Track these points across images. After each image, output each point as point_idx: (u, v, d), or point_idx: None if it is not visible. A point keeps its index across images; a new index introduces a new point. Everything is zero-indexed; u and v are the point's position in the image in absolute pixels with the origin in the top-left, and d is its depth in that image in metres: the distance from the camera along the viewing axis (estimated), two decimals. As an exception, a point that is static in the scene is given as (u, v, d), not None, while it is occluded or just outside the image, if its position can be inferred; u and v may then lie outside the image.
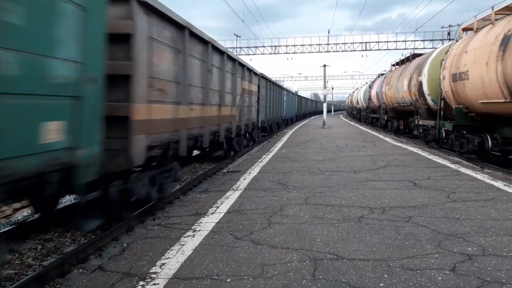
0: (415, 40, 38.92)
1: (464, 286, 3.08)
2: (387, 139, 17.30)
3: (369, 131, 23.62)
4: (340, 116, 62.30)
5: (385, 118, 24.10)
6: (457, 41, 13.38)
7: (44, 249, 5.02)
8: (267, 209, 5.55)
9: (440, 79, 13.56)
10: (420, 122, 16.14)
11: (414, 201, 5.81)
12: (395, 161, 10.00)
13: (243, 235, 4.43)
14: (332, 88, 53.17)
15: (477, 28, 11.79)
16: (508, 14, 10.32)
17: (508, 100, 9.23)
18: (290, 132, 23.21)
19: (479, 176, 7.78)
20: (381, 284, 3.14)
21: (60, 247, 5.09)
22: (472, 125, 11.66)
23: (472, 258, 3.62)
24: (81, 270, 4.15)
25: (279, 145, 15.23)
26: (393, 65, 25.26)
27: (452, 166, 9.12)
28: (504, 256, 3.65)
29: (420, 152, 12.06)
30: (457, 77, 11.78)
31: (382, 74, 30.74)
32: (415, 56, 20.52)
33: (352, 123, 37.29)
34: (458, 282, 3.14)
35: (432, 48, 36.64)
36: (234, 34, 41.76)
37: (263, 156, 11.58)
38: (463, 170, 8.54)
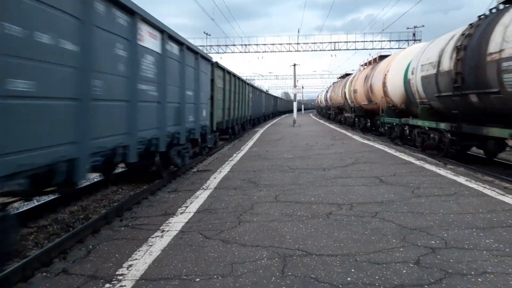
0: (382, 41, 39.86)
1: (427, 278, 3.18)
2: (355, 137, 17.64)
3: (338, 129, 24.02)
4: (310, 114, 63.07)
5: (353, 116, 25.32)
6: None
7: (5, 254, 4.81)
8: (237, 207, 5.53)
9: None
10: (385, 120, 17.16)
11: (380, 197, 5.95)
12: (363, 158, 10.20)
13: (212, 234, 4.40)
14: (302, 87, 53.66)
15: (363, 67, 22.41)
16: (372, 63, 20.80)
17: (367, 103, 20.46)
18: (261, 131, 23.28)
19: (442, 172, 8.06)
20: (348, 279, 3.20)
21: (23, 251, 4.89)
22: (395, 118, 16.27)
23: (435, 251, 3.74)
24: (44, 274, 3.98)
25: (250, 143, 15.24)
26: (361, 65, 26.31)
27: (417, 162, 9.40)
28: (465, 249, 3.79)
29: (386, 149, 12.37)
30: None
31: (348, 74, 32.38)
32: (381, 57, 21.55)
33: (321, 121, 37.81)
34: (422, 275, 3.24)
35: (399, 48, 37.68)
36: (204, 32, 41.46)
37: (234, 155, 11.56)
38: (427, 166, 8.81)
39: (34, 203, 7.28)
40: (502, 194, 5.98)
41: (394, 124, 16.08)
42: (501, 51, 8.30)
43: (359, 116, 23.94)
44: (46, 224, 5.98)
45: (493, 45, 8.62)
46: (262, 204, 5.67)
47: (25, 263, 4.11)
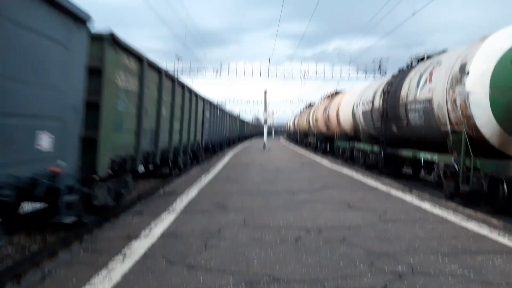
0: (349, 72, 41.18)
1: (395, 304, 3.14)
2: (323, 162, 17.85)
3: (307, 154, 24.29)
4: (281, 138, 63.65)
5: (315, 141, 28.97)
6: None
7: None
8: (204, 231, 5.38)
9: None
10: (339, 144, 20.72)
11: (348, 221, 5.96)
12: (331, 183, 10.28)
13: (177, 259, 4.23)
14: (273, 112, 54.45)
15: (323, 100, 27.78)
16: (330, 97, 25.84)
17: (326, 130, 24.35)
18: (231, 154, 23.18)
19: (408, 197, 8.21)
20: (317, 306, 3.11)
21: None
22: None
23: (402, 277, 3.73)
24: (-8, 301, 3.70)
25: (219, 166, 15.10)
26: (322, 98, 30.83)
27: (383, 188, 9.56)
28: (432, 275, 3.80)
29: (354, 175, 12.54)
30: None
31: (312, 105, 37.02)
32: (337, 93, 25.61)
33: (291, 146, 38.16)
34: (389, 301, 3.20)
35: (365, 78, 39.00)
36: (176, 55, 41.48)
37: (203, 177, 11.39)
38: (393, 192, 8.96)
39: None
40: (466, 220, 6.12)
41: (346, 147, 19.06)
42: (407, 96, 11.30)
43: (320, 140, 27.37)
44: (0, 245, 5.59)
45: (403, 92, 11.68)
46: (230, 228, 5.54)
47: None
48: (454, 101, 8.60)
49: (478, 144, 8.16)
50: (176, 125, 11.26)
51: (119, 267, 3.98)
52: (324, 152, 25.25)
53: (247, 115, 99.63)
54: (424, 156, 10.46)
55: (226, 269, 3.93)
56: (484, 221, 6.10)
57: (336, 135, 21.30)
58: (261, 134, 43.24)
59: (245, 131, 56.13)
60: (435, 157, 9.75)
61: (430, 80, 10.07)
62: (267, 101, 33.08)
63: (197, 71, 41.87)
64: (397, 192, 8.94)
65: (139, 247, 4.65)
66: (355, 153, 17.43)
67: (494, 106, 7.89)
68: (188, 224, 5.78)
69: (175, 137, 11.36)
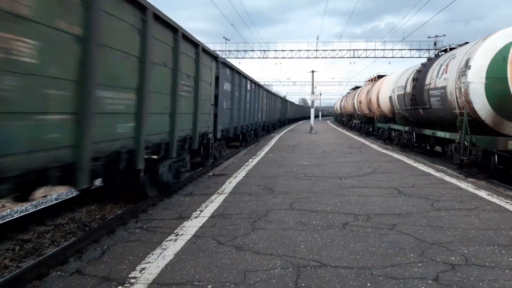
0: (402, 49, 39.31)
1: (446, 296, 3.07)
2: (373, 145, 17.42)
3: (355, 137, 23.78)
4: (328, 122, 62.65)
5: (359, 122, 31.17)
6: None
7: (22, 250, 4.88)
8: (252, 214, 5.49)
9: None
10: (378, 125, 22.89)
11: (398, 208, 5.82)
12: (381, 168, 10.04)
13: (226, 240, 4.36)
14: (320, 94, 53.54)
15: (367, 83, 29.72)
16: (373, 80, 26.86)
17: (368, 112, 26.11)
18: (277, 136, 23.22)
19: (463, 185, 7.86)
20: (364, 293, 3.11)
21: (39, 248, 4.96)
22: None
23: (455, 268, 3.62)
24: (59, 273, 4.01)
25: (266, 149, 15.20)
26: (366, 81, 32.75)
27: (437, 174, 9.20)
28: (487, 266, 3.66)
29: (405, 159, 12.16)
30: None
31: (358, 87, 38.35)
32: (379, 77, 26.61)
33: (339, 129, 37.48)
34: (440, 292, 3.13)
35: (419, 57, 37.15)
36: (224, 37, 41.72)
37: (250, 160, 11.53)
38: (447, 178, 8.61)
39: (52, 201, 7.40)
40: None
41: (385, 128, 21.08)
42: (430, 83, 13.45)
43: (363, 122, 29.38)
44: (63, 222, 6.05)
45: (427, 79, 13.78)
46: (277, 212, 5.61)
47: (40, 261, 4.15)
48: (460, 89, 10.76)
49: (476, 124, 10.45)
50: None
51: (172, 246, 4.18)
52: (367, 134, 26.86)
53: (294, 98, 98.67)
54: (439, 134, 13.11)
55: (273, 252, 4.01)
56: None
57: (376, 117, 23.56)
58: (308, 116, 43.16)
59: (293, 114, 55.80)
60: (447, 135, 12.25)
61: (446, 71, 12.14)
62: (315, 82, 32.59)
63: (244, 52, 42.05)
64: (433, 171, 8.58)
65: (190, 227, 4.84)
66: (392, 133, 19.45)
67: (488, 93, 10.03)
68: (236, 206, 5.92)
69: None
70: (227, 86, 13.19)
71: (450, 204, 6.16)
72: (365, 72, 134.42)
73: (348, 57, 41.08)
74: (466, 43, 12.72)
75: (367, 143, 19.08)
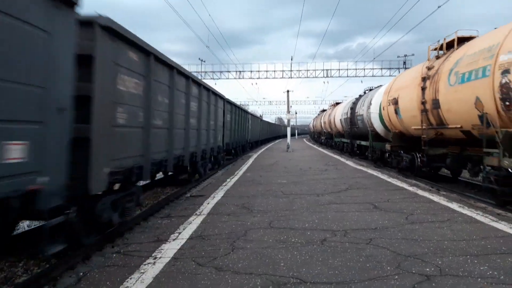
0: (373, 68, 40.56)
1: (423, 306, 3.14)
2: (348, 162, 17.71)
3: (331, 154, 24.14)
4: (304, 139, 63.40)
5: (324, 138, 40.61)
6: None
7: (-7, 281, 4.69)
8: (231, 234, 5.48)
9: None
10: (335, 140, 32.01)
11: (374, 223, 5.94)
12: (357, 184, 10.22)
13: (205, 262, 4.34)
14: (296, 113, 54.29)
15: (330, 107, 39.68)
16: (333, 106, 37.70)
17: (330, 130, 35.87)
18: (255, 156, 23.29)
19: (435, 198, 8.08)
20: (344, 308, 3.15)
21: (12, 277, 4.78)
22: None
23: (430, 279, 3.71)
24: (32, 302, 3.90)
25: (244, 168, 15.22)
26: (330, 106, 41.98)
27: (410, 188, 9.44)
28: (460, 276, 3.77)
29: (379, 175, 12.41)
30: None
31: (324, 110, 47.98)
32: (337, 103, 36.28)
33: (315, 146, 37.98)
34: (417, 303, 3.20)
35: (390, 75, 38.39)
36: (199, 59, 41.98)
37: (228, 180, 11.52)
38: (420, 192, 8.84)
39: (25, 228, 7.17)
40: (495, 221, 6.00)
41: (339, 141, 30.11)
42: (357, 112, 21.70)
43: (327, 138, 37.98)
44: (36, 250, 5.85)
45: (356, 109, 22.11)
46: (256, 231, 5.63)
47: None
48: (369, 116, 18.76)
49: (376, 135, 18.30)
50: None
51: (151, 270, 4.12)
52: (330, 146, 35.06)
53: (270, 116, 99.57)
54: (362, 143, 21.47)
55: (253, 271, 4.01)
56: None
57: (334, 134, 32.53)
58: (285, 135, 44.08)
59: (268, 133, 56.22)
60: (364, 143, 20.95)
61: (363, 104, 20.35)
62: (290, 101, 33.05)
63: (220, 73, 42.36)
64: (406, 185, 8.82)
65: (168, 250, 4.80)
66: (344, 144, 27.64)
67: (380, 118, 17.04)
68: (215, 227, 5.90)
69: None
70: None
71: (424, 217, 6.33)
72: (338, 91, 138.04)
73: (322, 77, 41.97)
74: (380, 86, 20.18)
75: (343, 159, 19.39)
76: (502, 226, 5.68)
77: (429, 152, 11.93)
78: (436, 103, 10.81)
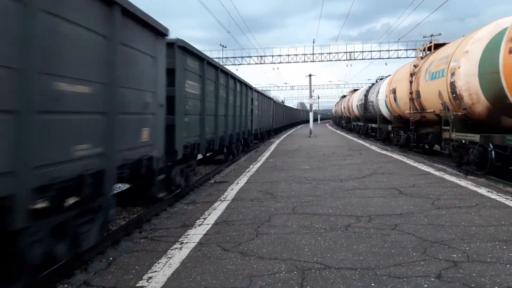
0: (398, 50, 39.54)
1: (449, 293, 3.12)
2: (372, 147, 17.49)
3: (355, 139, 23.91)
4: (327, 125, 62.79)
5: (343, 121, 44.91)
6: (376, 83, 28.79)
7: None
8: (255, 219, 5.54)
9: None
10: (353, 123, 35.87)
11: (399, 208, 5.88)
12: (381, 169, 10.11)
13: (230, 247, 4.42)
14: (318, 97, 53.62)
15: (350, 93, 42.01)
16: (352, 92, 40.73)
17: (348, 114, 39.89)
18: (277, 142, 23.29)
19: (463, 183, 7.92)
20: (369, 293, 3.16)
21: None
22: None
23: (457, 265, 3.67)
24: (66, 285, 4.07)
25: (266, 154, 15.26)
26: (350, 92, 43.48)
27: (437, 173, 9.26)
28: (488, 262, 3.71)
29: (405, 160, 12.22)
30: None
31: (344, 96, 49.15)
32: (355, 90, 38.75)
33: (338, 131, 37.59)
34: (443, 289, 3.18)
35: (415, 57, 37.32)
36: (220, 45, 41.94)
37: (251, 166, 11.59)
38: (447, 177, 8.67)
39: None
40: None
41: (356, 124, 33.61)
42: (369, 99, 25.61)
43: (347, 122, 41.37)
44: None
45: (368, 96, 25.93)
46: (280, 216, 5.67)
47: (47, 274, 4.19)
48: (378, 102, 21.91)
49: (383, 119, 21.43)
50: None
51: (177, 255, 4.23)
52: (349, 130, 37.78)
53: (292, 102, 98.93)
54: (373, 125, 24.99)
55: (277, 256, 4.06)
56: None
57: (352, 118, 36.31)
58: (307, 120, 44.95)
59: (291, 118, 55.97)
60: (374, 125, 24.12)
61: (373, 92, 23.90)
62: (312, 86, 32.70)
63: (242, 59, 42.26)
64: (433, 170, 8.64)
65: (194, 235, 4.90)
66: (360, 127, 30.48)
67: (386, 104, 19.83)
68: (239, 212, 5.98)
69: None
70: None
71: (451, 202, 6.22)
72: (362, 74, 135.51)
73: (344, 60, 41.38)
74: (389, 75, 21.81)
75: (367, 144, 19.16)
76: (533, 211, 5.52)
77: (419, 131, 15.82)
78: (418, 94, 14.59)
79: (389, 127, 19.39)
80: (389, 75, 22.47)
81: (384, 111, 20.71)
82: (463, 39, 11.51)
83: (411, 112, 15.66)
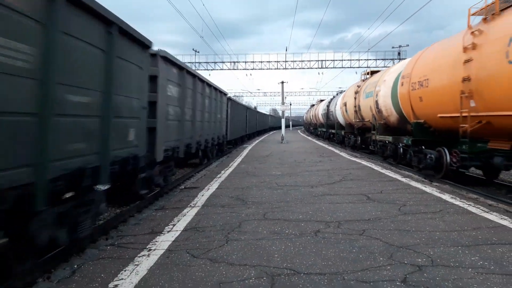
0: (368, 59, 40.59)
1: (414, 296, 3.19)
2: (342, 154, 17.79)
3: (326, 146, 24.23)
4: (298, 131, 63.49)
5: (311, 128, 52.43)
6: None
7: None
8: (225, 225, 5.51)
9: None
10: (319, 129, 42.93)
11: (367, 214, 5.99)
12: (350, 176, 10.28)
13: (200, 253, 4.36)
14: (290, 104, 54.28)
15: (318, 103, 50.80)
16: (318, 102, 49.84)
17: (316, 122, 46.79)
18: (249, 147, 23.30)
19: (428, 189, 8.16)
20: (336, 298, 3.19)
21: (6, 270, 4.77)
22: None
23: (422, 269, 3.77)
24: (26, 295, 3.91)
25: (238, 160, 15.24)
26: (317, 101, 49.67)
27: (403, 180, 9.51)
28: (451, 267, 3.83)
29: (373, 166, 12.49)
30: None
31: (313, 105, 54.52)
32: (321, 100, 45.86)
33: (309, 138, 38.05)
34: (408, 293, 3.25)
35: (384, 66, 38.41)
36: (193, 49, 41.75)
37: (222, 172, 11.54)
38: (413, 183, 8.92)
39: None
40: (487, 212, 6.07)
41: (321, 130, 38.22)
42: (330, 108, 31.95)
43: (314, 128, 47.23)
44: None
45: (330, 106, 32.66)
46: (250, 222, 5.65)
47: (8, 284, 4.01)
48: (335, 112, 28.14)
49: (339, 125, 27.35)
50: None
51: (145, 262, 4.14)
52: (317, 135, 42.86)
53: (264, 108, 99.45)
54: (332, 131, 30.68)
55: (247, 262, 4.04)
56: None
57: (318, 125, 41.93)
58: (279, 126, 46.20)
59: (263, 124, 56.28)
60: (333, 131, 30.41)
61: (333, 104, 29.63)
62: (285, 93, 32.99)
63: (214, 64, 42.17)
64: (400, 176, 8.89)
65: (163, 242, 4.81)
66: (323, 133, 36.19)
67: (342, 115, 25.33)
68: (210, 219, 5.92)
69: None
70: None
71: (416, 208, 6.40)
72: (333, 82, 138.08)
73: (316, 68, 41.99)
74: (344, 91, 27.79)
75: (337, 151, 19.47)
76: (493, 217, 5.76)
77: (364, 135, 21.15)
78: (359, 107, 20.49)
79: (342, 132, 26.06)
80: (344, 90, 29.11)
81: (340, 119, 26.34)
82: (385, 71, 17.17)
83: (356, 121, 21.57)
